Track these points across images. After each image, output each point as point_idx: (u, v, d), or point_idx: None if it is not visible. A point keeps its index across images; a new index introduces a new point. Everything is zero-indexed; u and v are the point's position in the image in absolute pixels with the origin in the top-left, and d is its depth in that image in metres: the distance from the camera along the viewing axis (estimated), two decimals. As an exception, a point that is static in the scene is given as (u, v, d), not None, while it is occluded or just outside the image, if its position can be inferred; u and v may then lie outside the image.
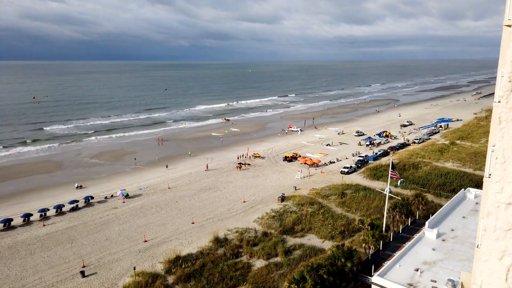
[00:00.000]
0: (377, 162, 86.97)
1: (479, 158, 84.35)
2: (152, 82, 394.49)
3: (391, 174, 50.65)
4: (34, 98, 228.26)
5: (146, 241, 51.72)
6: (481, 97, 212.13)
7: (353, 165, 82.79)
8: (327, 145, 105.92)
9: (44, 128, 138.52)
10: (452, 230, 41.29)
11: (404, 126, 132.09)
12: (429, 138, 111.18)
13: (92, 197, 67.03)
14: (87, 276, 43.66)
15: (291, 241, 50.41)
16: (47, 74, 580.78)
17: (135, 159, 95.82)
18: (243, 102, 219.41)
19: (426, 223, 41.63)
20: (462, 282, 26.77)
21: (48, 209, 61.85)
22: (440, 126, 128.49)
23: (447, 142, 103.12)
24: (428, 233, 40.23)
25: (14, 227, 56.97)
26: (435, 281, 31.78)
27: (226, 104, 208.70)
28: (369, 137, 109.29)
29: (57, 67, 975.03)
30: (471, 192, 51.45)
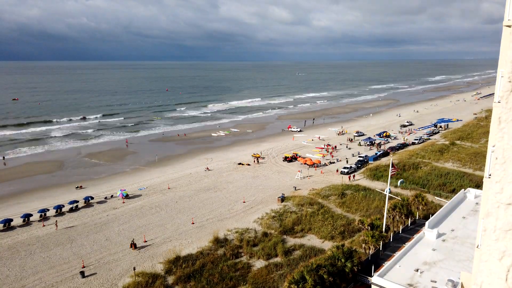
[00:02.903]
0: (377, 162, 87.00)
1: (479, 158, 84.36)
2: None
3: (391, 171, 50.73)
4: (17, 99, 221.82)
5: (146, 241, 51.71)
6: (481, 97, 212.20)
7: (353, 166, 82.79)
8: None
9: (50, 127, 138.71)
10: (452, 230, 41.27)
11: (404, 126, 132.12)
12: (429, 139, 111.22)
13: (92, 198, 67.03)
14: (87, 276, 43.64)
15: (291, 241, 50.39)
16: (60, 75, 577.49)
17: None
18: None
19: (426, 223, 41.59)
20: (462, 283, 26.74)
21: (48, 209, 61.82)
22: (440, 127, 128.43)
23: (447, 142, 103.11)
24: (428, 233, 40.20)
25: (14, 228, 56.94)
26: (435, 281, 31.77)
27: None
28: (369, 138, 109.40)
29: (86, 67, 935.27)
30: (471, 192, 51.40)
